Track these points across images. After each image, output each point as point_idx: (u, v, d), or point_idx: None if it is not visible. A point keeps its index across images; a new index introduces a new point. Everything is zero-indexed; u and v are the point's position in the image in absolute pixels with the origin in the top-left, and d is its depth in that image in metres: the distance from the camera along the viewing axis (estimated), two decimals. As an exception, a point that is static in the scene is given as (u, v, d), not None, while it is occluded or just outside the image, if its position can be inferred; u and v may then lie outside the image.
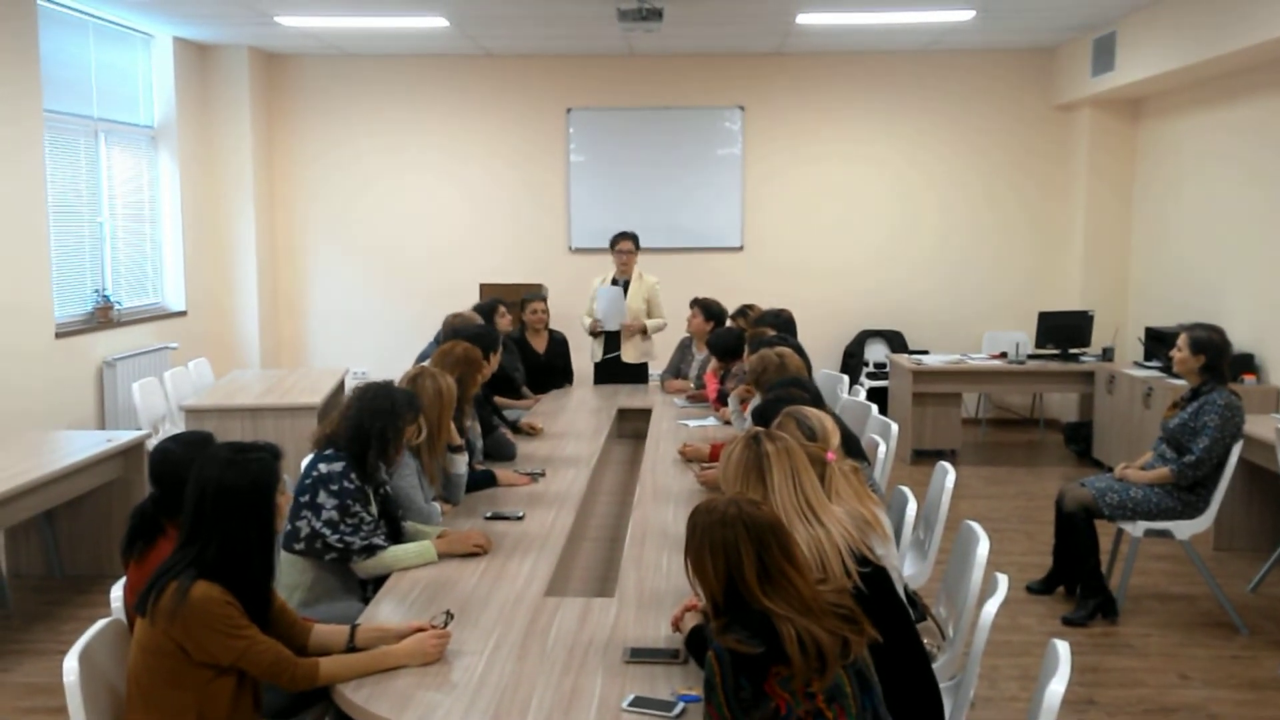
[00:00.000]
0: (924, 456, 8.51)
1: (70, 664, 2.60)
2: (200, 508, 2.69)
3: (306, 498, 3.53)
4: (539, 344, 7.60)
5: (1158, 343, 7.84)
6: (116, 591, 3.09)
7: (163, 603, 2.59)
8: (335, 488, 3.54)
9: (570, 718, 2.55)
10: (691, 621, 2.86)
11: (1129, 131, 9.40)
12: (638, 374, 7.83)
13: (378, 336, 9.96)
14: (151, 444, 6.00)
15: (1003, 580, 3.12)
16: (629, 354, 7.80)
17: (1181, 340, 5.31)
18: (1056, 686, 2.47)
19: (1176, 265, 8.64)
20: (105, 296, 8.05)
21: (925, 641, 3.06)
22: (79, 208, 7.92)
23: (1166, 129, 8.85)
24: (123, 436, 5.91)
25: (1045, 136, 9.92)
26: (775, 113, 10.02)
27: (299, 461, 3.82)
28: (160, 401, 7.38)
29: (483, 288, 9.52)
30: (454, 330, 5.98)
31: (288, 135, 10.08)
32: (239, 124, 9.56)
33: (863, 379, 9.44)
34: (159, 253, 9.10)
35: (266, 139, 9.93)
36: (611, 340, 7.81)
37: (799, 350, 5.22)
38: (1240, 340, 7.35)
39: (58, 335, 7.34)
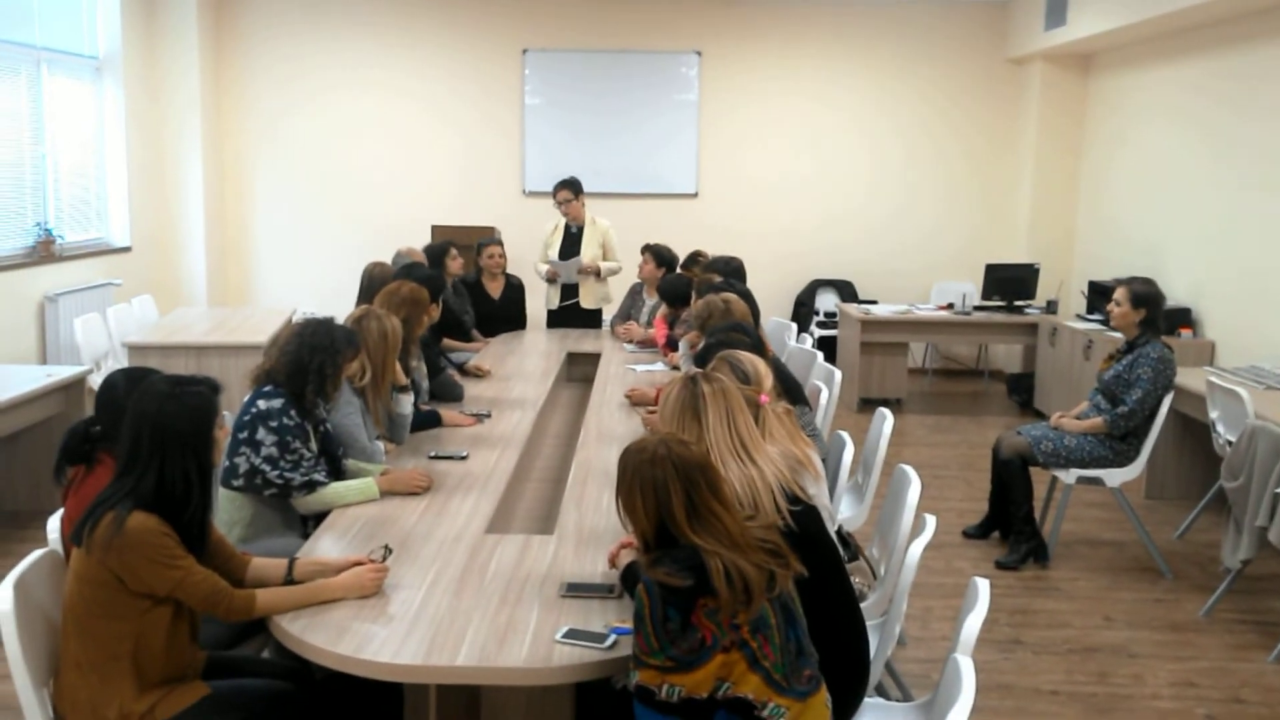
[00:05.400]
0: (871, 405, 8.49)
1: (4, 593, 2.59)
2: (137, 439, 2.68)
3: (245, 434, 3.52)
4: (494, 289, 7.54)
5: (1100, 296, 7.94)
6: (53, 523, 3.08)
7: (99, 532, 2.59)
8: (274, 424, 3.53)
9: (505, 648, 2.60)
10: (628, 558, 2.91)
11: (1079, 86, 9.47)
12: (593, 319, 7.81)
13: (326, 276, 9.80)
14: (93, 380, 5.95)
15: (930, 521, 3.20)
16: (587, 299, 7.76)
17: (1120, 294, 5.37)
18: (973, 621, 2.57)
19: (1120, 220, 8.76)
20: (47, 230, 7.90)
21: (857, 580, 3.15)
22: (20, 139, 7.75)
23: (1115, 85, 8.92)
24: (63, 372, 5.84)
25: (997, 90, 9.97)
26: (731, 60, 9.98)
27: (243, 399, 3.80)
28: (103, 338, 7.28)
29: (434, 229, 9.45)
30: (373, 278, 5.92)
31: (236, 69, 9.89)
32: (186, 56, 9.36)
33: (813, 328, 9.52)
34: (103, 187, 8.92)
35: (214, 72, 9.75)
36: (569, 286, 7.77)
37: (747, 296, 5.25)
38: (1178, 294, 7.50)
39: (-3, 269, 7.22)
